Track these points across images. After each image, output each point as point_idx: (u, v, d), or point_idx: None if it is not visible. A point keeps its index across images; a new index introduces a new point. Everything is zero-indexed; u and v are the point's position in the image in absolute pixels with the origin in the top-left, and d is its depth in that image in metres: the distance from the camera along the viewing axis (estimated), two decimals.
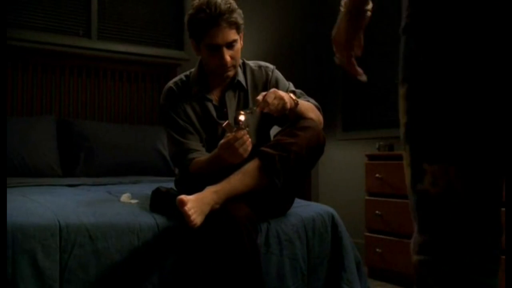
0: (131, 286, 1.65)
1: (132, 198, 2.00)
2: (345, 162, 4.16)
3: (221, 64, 1.89)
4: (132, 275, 1.66)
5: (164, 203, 1.83)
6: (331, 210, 2.11)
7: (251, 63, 2.07)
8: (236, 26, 1.88)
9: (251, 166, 1.76)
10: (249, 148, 1.71)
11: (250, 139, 1.71)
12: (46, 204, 1.76)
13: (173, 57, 3.85)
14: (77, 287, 1.58)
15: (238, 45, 1.92)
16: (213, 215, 1.67)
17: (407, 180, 0.98)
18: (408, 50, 0.92)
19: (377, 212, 3.19)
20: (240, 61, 2.02)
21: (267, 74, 2.03)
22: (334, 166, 4.26)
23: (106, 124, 3.45)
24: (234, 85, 2.00)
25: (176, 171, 2.38)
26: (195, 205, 1.62)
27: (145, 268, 1.68)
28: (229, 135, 1.70)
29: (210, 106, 1.97)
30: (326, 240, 2.03)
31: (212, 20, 1.82)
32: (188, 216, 1.60)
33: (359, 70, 1.20)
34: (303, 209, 2.07)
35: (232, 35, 1.86)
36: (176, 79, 2.05)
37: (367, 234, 3.29)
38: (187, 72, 2.06)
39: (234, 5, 1.88)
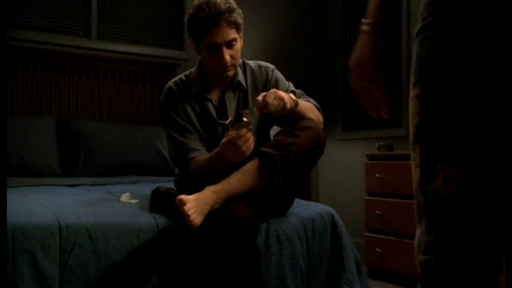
0: (131, 286, 1.65)
1: (132, 198, 2.00)
2: (345, 162, 4.16)
3: (221, 64, 1.89)
4: (132, 275, 1.66)
5: (164, 203, 1.83)
6: (331, 210, 2.11)
7: (251, 63, 2.07)
8: (236, 26, 1.88)
9: (251, 166, 1.76)
10: (252, 146, 1.71)
11: (252, 138, 1.71)
12: (46, 204, 1.76)
13: (173, 57, 3.85)
14: (77, 287, 1.58)
15: (238, 45, 1.92)
16: (212, 215, 1.67)
17: (415, 180, 0.98)
18: (422, 52, 0.93)
19: (377, 212, 3.19)
20: (240, 61, 2.02)
21: (267, 74, 2.03)
22: (334, 166, 4.26)
23: (106, 124, 3.45)
24: (234, 85, 2.00)
25: (176, 171, 2.38)
26: (195, 205, 1.62)
27: (145, 268, 1.68)
28: (232, 133, 1.70)
29: (210, 106, 1.98)
30: (326, 240, 2.03)
31: (211, 19, 1.82)
32: (188, 216, 1.60)
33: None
34: (303, 209, 2.07)
35: (232, 34, 1.87)
36: (176, 78, 2.05)
37: (367, 234, 3.29)
38: (187, 72, 2.06)
39: (234, 4, 1.89)
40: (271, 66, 2.07)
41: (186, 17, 1.92)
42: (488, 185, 0.90)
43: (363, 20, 1.03)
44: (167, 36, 3.95)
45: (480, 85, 0.88)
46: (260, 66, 2.05)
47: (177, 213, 1.63)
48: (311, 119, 1.88)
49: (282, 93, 1.77)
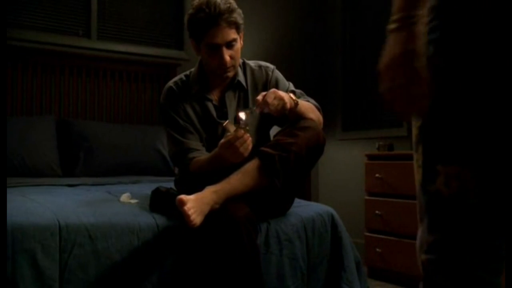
0: (131, 286, 1.65)
1: (132, 198, 2.00)
2: (345, 162, 4.16)
3: (221, 64, 1.89)
4: (132, 275, 1.66)
5: (164, 203, 1.83)
6: (330, 210, 2.11)
7: (251, 63, 2.07)
8: (236, 26, 1.88)
9: (251, 166, 1.76)
10: (250, 147, 1.71)
11: (250, 138, 1.71)
12: (46, 204, 1.76)
13: (173, 57, 3.86)
14: (77, 287, 1.58)
15: (238, 45, 1.92)
16: (212, 215, 1.67)
17: (417, 181, 1.00)
18: (426, 55, 0.93)
19: (377, 212, 3.19)
20: (240, 61, 2.02)
21: (267, 74, 2.03)
22: (334, 166, 4.26)
23: (106, 124, 3.45)
24: (234, 85, 2.00)
25: (176, 170, 2.38)
26: (195, 205, 1.62)
27: (145, 268, 1.68)
28: (230, 135, 1.70)
29: (210, 106, 1.98)
30: (325, 240, 2.03)
31: (211, 19, 1.82)
32: (188, 216, 1.60)
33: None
34: (303, 209, 2.07)
35: (232, 34, 1.87)
36: (176, 78, 2.05)
37: (367, 234, 3.29)
38: (187, 72, 2.06)
39: (234, 5, 1.88)
40: (271, 66, 2.07)
41: (186, 17, 1.92)
42: (488, 185, 0.92)
43: (390, 20, 0.94)
44: (167, 36, 3.95)
45: (482, 87, 0.90)
46: (260, 66, 2.05)
47: (177, 213, 1.63)
48: (311, 119, 1.88)
49: (282, 93, 1.77)
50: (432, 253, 0.95)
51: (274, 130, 1.99)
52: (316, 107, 1.98)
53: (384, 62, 0.95)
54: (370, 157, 3.37)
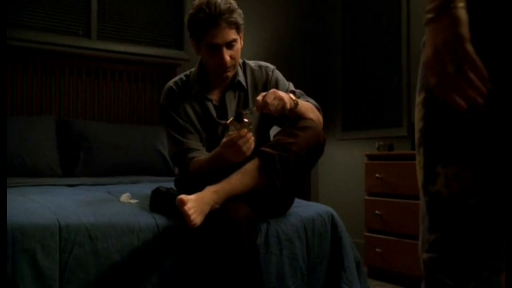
0: (131, 286, 1.65)
1: (132, 198, 2.00)
2: (345, 162, 4.16)
3: (221, 64, 1.89)
4: (132, 275, 1.66)
5: (164, 203, 1.83)
6: (330, 210, 2.11)
7: (252, 63, 2.07)
8: (236, 26, 1.88)
9: (251, 166, 1.76)
10: (252, 146, 1.71)
11: (253, 138, 1.71)
12: (46, 204, 1.76)
13: (173, 57, 3.86)
14: (77, 287, 1.58)
15: (238, 45, 1.92)
16: (213, 215, 1.67)
17: (419, 182, 1.02)
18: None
19: (376, 212, 3.19)
20: (241, 61, 2.02)
21: (267, 74, 2.03)
22: (334, 166, 4.26)
23: (106, 124, 3.45)
24: (234, 85, 2.00)
25: (176, 170, 2.38)
26: (195, 205, 1.62)
27: (145, 268, 1.68)
28: (232, 133, 1.70)
29: (210, 106, 1.98)
30: (325, 240, 2.03)
31: (211, 20, 1.82)
32: (188, 216, 1.60)
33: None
34: (303, 209, 2.07)
35: (232, 35, 1.86)
36: (176, 78, 2.05)
37: (367, 234, 3.29)
38: (187, 72, 2.06)
39: (234, 5, 1.88)
40: (271, 66, 2.07)
41: (186, 17, 1.92)
42: (488, 186, 0.94)
43: (426, 9, 0.88)
44: (167, 36, 3.95)
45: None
46: (260, 66, 2.05)
47: (177, 213, 1.63)
48: (311, 119, 1.88)
49: (281, 93, 1.77)
50: (433, 252, 0.97)
51: (274, 130, 1.99)
52: (316, 107, 1.98)
53: (428, 55, 0.87)
54: (370, 157, 3.37)
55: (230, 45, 1.87)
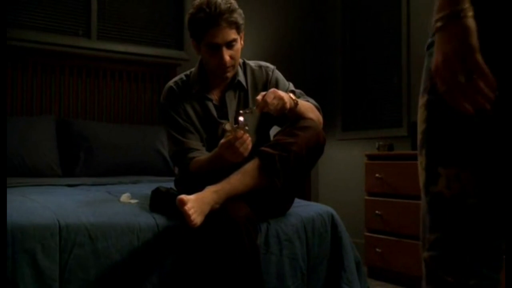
0: (130, 286, 1.65)
1: (132, 198, 2.00)
2: (345, 162, 4.16)
3: (220, 64, 1.89)
4: (131, 275, 1.66)
5: (164, 203, 1.83)
6: (330, 210, 2.11)
7: (252, 63, 2.07)
8: (236, 26, 1.87)
9: (251, 166, 1.76)
10: (249, 147, 1.71)
11: (250, 138, 1.71)
12: (46, 204, 1.76)
13: (173, 57, 3.86)
14: (77, 287, 1.58)
15: (238, 45, 1.92)
16: (213, 215, 1.67)
17: (421, 182, 1.04)
18: (430, 65, 0.97)
19: (376, 212, 3.19)
20: (241, 61, 2.02)
21: (267, 74, 2.03)
22: (334, 166, 4.26)
23: (106, 124, 3.45)
24: (235, 85, 2.00)
25: (176, 170, 2.38)
26: (195, 205, 1.62)
27: (145, 268, 1.68)
28: (229, 135, 1.70)
29: (210, 106, 1.98)
30: (325, 240, 2.03)
31: (212, 19, 1.82)
32: (188, 216, 1.60)
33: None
34: (303, 209, 2.07)
35: (232, 35, 1.86)
36: (176, 78, 2.05)
37: (367, 234, 3.29)
38: (188, 72, 2.06)
39: (235, 5, 1.88)
40: (271, 66, 2.07)
41: (186, 17, 1.92)
42: (488, 186, 0.96)
43: (435, 18, 0.91)
44: (167, 36, 3.95)
45: None
46: (260, 66, 2.06)
47: (177, 213, 1.63)
48: (310, 119, 1.88)
49: (281, 93, 1.77)
50: (434, 250, 0.99)
51: (274, 130, 1.99)
52: (316, 107, 1.98)
53: (438, 62, 0.90)
54: (370, 157, 3.37)
55: (230, 45, 1.87)
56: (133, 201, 1.97)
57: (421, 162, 1.03)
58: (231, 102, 1.99)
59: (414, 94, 3.52)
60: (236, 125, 1.71)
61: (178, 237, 1.74)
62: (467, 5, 0.86)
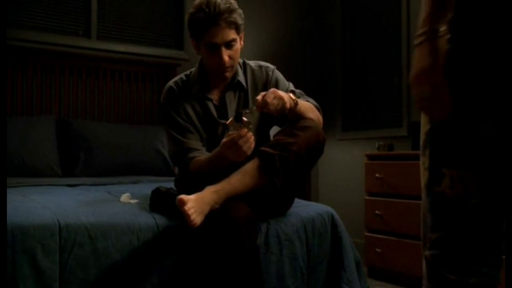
0: (130, 286, 1.65)
1: (132, 198, 2.00)
2: (344, 162, 4.16)
3: (219, 64, 1.89)
4: (131, 275, 1.66)
5: (164, 203, 1.83)
6: (330, 210, 2.11)
7: (252, 63, 2.07)
8: (236, 26, 1.87)
9: (251, 166, 1.76)
10: (252, 145, 1.71)
11: (253, 137, 1.71)
12: (46, 204, 1.76)
13: (173, 57, 3.86)
14: (77, 286, 1.58)
15: (238, 45, 1.92)
16: (213, 215, 1.67)
17: (423, 182, 1.06)
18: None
19: (376, 212, 3.19)
20: (241, 61, 2.02)
21: (267, 74, 2.03)
22: (334, 166, 4.26)
23: (106, 124, 3.45)
24: (234, 85, 2.00)
25: (176, 170, 2.38)
26: (195, 204, 1.62)
27: (145, 268, 1.68)
28: (233, 133, 1.70)
29: (210, 106, 1.98)
30: (325, 240, 2.03)
31: (211, 19, 1.83)
32: (188, 216, 1.60)
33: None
34: (302, 209, 2.07)
35: (231, 35, 1.86)
36: (176, 78, 2.05)
37: (367, 234, 3.29)
38: (188, 72, 2.06)
39: (234, 5, 1.88)
40: (271, 66, 2.07)
41: (186, 17, 1.93)
42: (489, 187, 0.98)
43: (415, 35, 1.04)
44: (167, 36, 3.95)
45: (487, 98, 0.98)
46: (260, 66, 2.06)
47: (177, 213, 1.63)
48: (310, 119, 1.88)
49: (281, 93, 1.77)
50: (435, 249, 1.01)
51: (274, 130, 1.99)
52: (316, 107, 1.98)
53: (412, 74, 1.03)
54: (370, 157, 3.37)
55: (229, 45, 1.87)
56: (133, 201, 1.97)
57: (423, 162, 1.05)
58: (231, 102, 1.99)
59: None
60: (240, 123, 1.71)
61: (178, 237, 1.74)
62: (443, 27, 0.98)
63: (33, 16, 3.42)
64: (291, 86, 2.05)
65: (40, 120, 3.16)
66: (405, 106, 3.63)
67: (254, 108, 1.78)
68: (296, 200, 2.08)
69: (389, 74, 3.83)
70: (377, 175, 3.20)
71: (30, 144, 2.96)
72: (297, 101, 1.83)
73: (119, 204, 1.93)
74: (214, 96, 2.00)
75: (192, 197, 1.63)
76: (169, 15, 3.95)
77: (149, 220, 1.75)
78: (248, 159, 1.75)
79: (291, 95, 1.83)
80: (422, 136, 1.07)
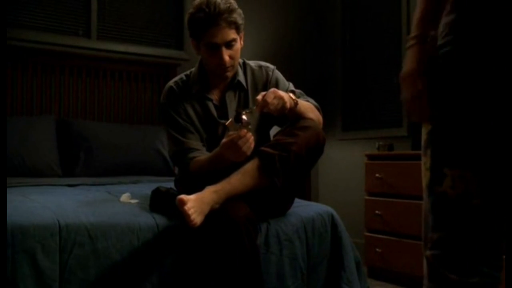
0: (130, 286, 1.65)
1: (132, 198, 2.00)
2: (344, 162, 4.16)
3: (220, 64, 1.89)
4: (131, 275, 1.66)
5: (164, 203, 1.83)
6: (330, 210, 2.11)
7: (252, 63, 2.07)
8: (236, 26, 1.88)
9: (251, 166, 1.76)
10: (252, 146, 1.71)
11: (252, 137, 1.71)
12: (46, 204, 1.76)
13: (173, 57, 3.85)
14: (77, 286, 1.58)
15: (238, 45, 1.92)
16: (212, 215, 1.67)
17: (425, 182, 1.07)
18: (438, 68, 1.04)
19: (376, 212, 3.19)
20: (241, 61, 2.02)
21: (267, 74, 2.03)
22: (334, 166, 4.26)
23: (106, 124, 3.45)
24: (234, 85, 2.00)
25: (176, 170, 2.38)
26: (195, 204, 1.62)
27: (145, 268, 1.68)
28: (232, 134, 1.70)
29: (210, 106, 1.98)
30: (325, 240, 2.03)
31: (211, 19, 1.83)
32: (188, 216, 1.60)
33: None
34: (302, 209, 2.07)
35: (231, 34, 1.87)
36: (176, 78, 2.05)
37: (367, 234, 3.29)
38: (188, 72, 2.07)
39: (234, 5, 1.88)
40: (271, 66, 2.07)
41: (186, 17, 1.93)
42: (490, 187, 0.99)
43: (407, 38, 1.11)
44: (167, 36, 3.95)
45: (489, 98, 0.98)
46: (260, 66, 2.06)
47: (177, 213, 1.63)
48: (310, 119, 1.88)
49: (281, 93, 1.77)
50: (436, 249, 1.01)
51: (274, 130, 1.99)
52: (316, 107, 1.98)
53: (401, 75, 1.11)
54: (370, 157, 3.37)
55: (229, 44, 1.87)
56: (133, 201, 1.97)
57: (425, 162, 1.06)
58: (231, 102, 1.99)
59: None
60: (240, 124, 1.71)
61: (178, 237, 1.74)
62: (433, 32, 1.05)
63: (33, 16, 3.42)
64: (291, 86, 2.05)
65: (40, 120, 3.16)
66: (405, 106, 3.62)
67: (254, 108, 1.78)
68: (296, 200, 2.08)
69: (389, 74, 3.83)
70: (377, 175, 3.20)
71: (30, 144, 2.96)
72: (297, 101, 1.83)
73: (119, 204, 1.93)
74: (214, 96, 2.00)
75: (192, 197, 1.63)
76: (169, 15, 3.95)
77: (149, 220, 1.75)
78: (248, 159, 1.75)
79: (291, 95, 1.84)
80: (424, 136, 1.07)
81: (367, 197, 3.32)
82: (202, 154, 1.90)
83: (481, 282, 0.98)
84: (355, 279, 2.01)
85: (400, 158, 3.13)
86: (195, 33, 1.91)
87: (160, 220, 1.76)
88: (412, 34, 1.08)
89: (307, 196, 3.84)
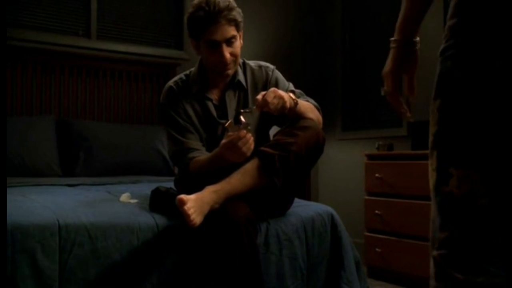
0: (130, 285, 1.65)
1: (132, 198, 2.00)
2: (344, 162, 4.16)
3: (221, 61, 1.89)
4: (131, 274, 1.66)
5: (163, 203, 1.83)
6: (330, 210, 2.11)
7: (252, 63, 2.07)
8: (235, 23, 1.88)
9: (251, 166, 1.76)
10: (252, 146, 1.71)
11: (252, 138, 1.71)
12: (46, 204, 1.76)
13: (173, 57, 3.86)
14: (77, 286, 1.58)
15: (238, 43, 1.92)
16: (212, 215, 1.67)
17: (431, 183, 1.08)
18: (443, 70, 1.04)
19: (376, 212, 3.19)
20: (241, 61, 2.02)
21: (267, 74, 2.03)
22: (334, 166, 4.26)
23: (106, 124, 3.45)
24: (234, 84, 2.00)
25: (176, 170, 2.38)
26: (195, 204, 1.62)
27: (145, 268, 1.68)
28: (232, 134, 1.70)
29: (210, 106, 1.98)
30: (325, 239, 2.03)
31: (211, 17, 1.83)
32: (188, 216, 1.60)
33: (405, 108, 1.27)
34: (302, 209, 2.07)
35: (231, 31, 1.87)
36: (176, 78, 2.05)
37: (367, 234, 3.29)
38: (187, 72, 2.07)
39: (233, 3, 1.89)
40: (271, 66, 2.07)
41: (186, 16, 1.93)
42: (496, 187, 0.99)
43: (391, 39, 1.21)
44: (167, 36, 3.95)
45: (493, 100, 0.99)
46: (260, 66, 2.06)
47: (177, 213, 1.63)
48: (310, 118, 1.88)
49: (281, 92, 1.78)
50: (443, 249, 1.02)
51: (274, 130, 1.99)
52: (316, 107, 1.98)
53: (383, 72, 1.22)
54: (370, 157, 3.37)
55: (229, 41, 1.88)
56: (133, 201, 1.97)
57: (431, 163, 1.07)
58: (231, 102, 1.99)
59: None
60: (239, 124, 1.71)
61: (177, 237, 1.74)
62: (416, 38, 1.17)
63: (33, 16, 3.42)
64: (291, 86, 2.05)
65: (40, 120, 3.16)
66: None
67: (254, 107, 1.78)
68: (296, 200, 2.08)
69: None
70: (377, 175, 3.20)
71: (30, 144, 2.96)
72: (297, 101, 1.84)
73: (119, 204, 1.93)
74: (214, 95, 2.00)
75: (192, 197, 1.64)
76: (169, 15, 3.95)
77: (149, 220, 1.75)
78: (248, 159, 1.75)
79: (291, 94, 1.84)
80: (430, 138, 1.08)
81: (366, 197, 3.32)
82: (201, 154, 1.90)
83: (487, 282, 0.98)
84: (355, 279, 2.01)
85: (400, 158, 3.13)
86: (195, 32, 1.91)
87: (160, 220, 1.76)
88: (394, 37, 1.19)
89: (307, 196, 3.84)
